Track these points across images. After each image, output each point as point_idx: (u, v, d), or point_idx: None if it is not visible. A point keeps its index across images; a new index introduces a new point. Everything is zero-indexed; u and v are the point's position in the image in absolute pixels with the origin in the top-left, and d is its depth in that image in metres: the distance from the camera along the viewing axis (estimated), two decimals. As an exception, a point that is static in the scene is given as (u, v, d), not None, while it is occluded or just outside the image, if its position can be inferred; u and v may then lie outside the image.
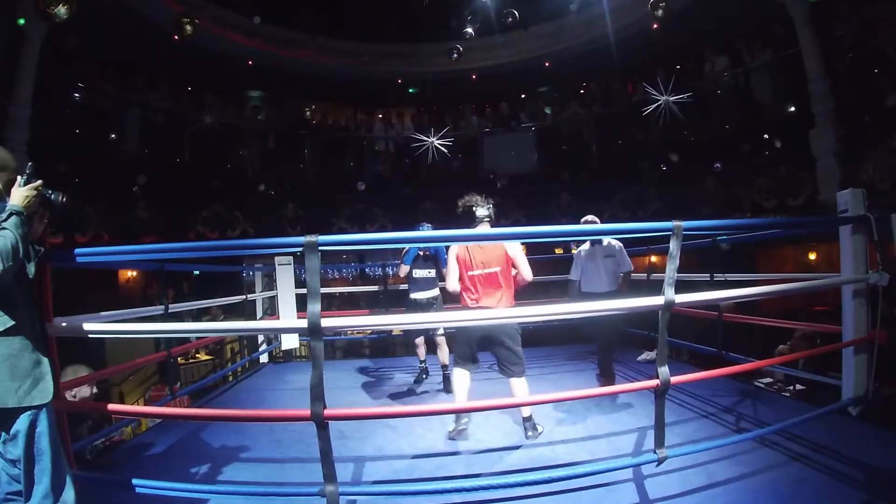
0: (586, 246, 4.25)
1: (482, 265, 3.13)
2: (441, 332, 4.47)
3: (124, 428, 4.61)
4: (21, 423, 1.66)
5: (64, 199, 1.94)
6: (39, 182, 1.82)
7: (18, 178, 1.79)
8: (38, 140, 6.21)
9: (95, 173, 6.98)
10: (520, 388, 3.09)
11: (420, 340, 4.76)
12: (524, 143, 9.84)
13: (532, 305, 5.17)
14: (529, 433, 3.11)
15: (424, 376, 4.73)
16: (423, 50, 10.36)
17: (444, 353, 4.48)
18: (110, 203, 7.22)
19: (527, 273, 3.19)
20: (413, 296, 4.34)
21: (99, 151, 7.33)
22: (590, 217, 4.16)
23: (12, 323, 1.67)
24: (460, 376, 3.18)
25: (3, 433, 1.68)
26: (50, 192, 1.89)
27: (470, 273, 3.15)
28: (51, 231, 2.15)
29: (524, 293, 3.91)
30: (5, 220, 1.68)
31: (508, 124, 10.00)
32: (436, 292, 4.34)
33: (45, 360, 1.75)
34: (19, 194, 1.75)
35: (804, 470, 2.48)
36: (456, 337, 3.29)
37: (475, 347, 3.18)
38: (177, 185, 7.87)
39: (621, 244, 4.19)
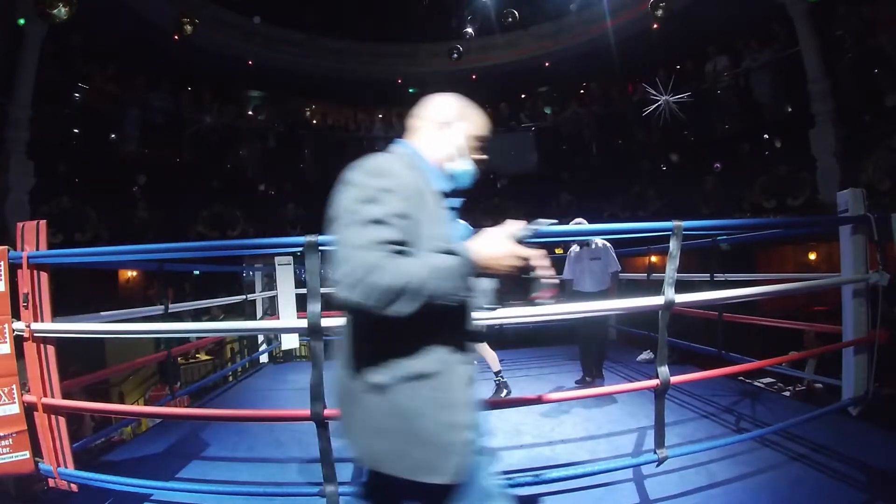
0: (576, 248, 4.43)
1: None
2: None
3: (124, 428, 4.62)
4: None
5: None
6: (541, 256, 1.18)
7: (527, 225, 1.17)
8: (38, 140, 6.22)
9: (95, 173, 6.98)
10: None
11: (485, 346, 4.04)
12: (524, 143, 9.83)
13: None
14: None
15: (505, 391, 3.99)
16: (423, 50, 10.36)
17: (493, 359, 3.98)
18: (110, 203, 7.22)
19: None
20: None
21: (99, 151, 7.33)
22: (578, 220, 4.21)
23: (427, 370, 1.14)
24: None
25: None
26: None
27: None
28: (51, 231, 2.00)
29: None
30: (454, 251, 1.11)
31: (508, 124, 10.00)
32: None
33: (465, 425, 1.18)
34: (499, 251, 1.13)
35: (804, 470, 2.48)
36: None
37: None
38: (177, 185, 7.87)
39: (610, 245, 4.34)
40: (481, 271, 1.13)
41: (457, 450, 1.15)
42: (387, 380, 1.12)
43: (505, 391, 3.99)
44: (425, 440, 1.12)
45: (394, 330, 1.09)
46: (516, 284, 1.19)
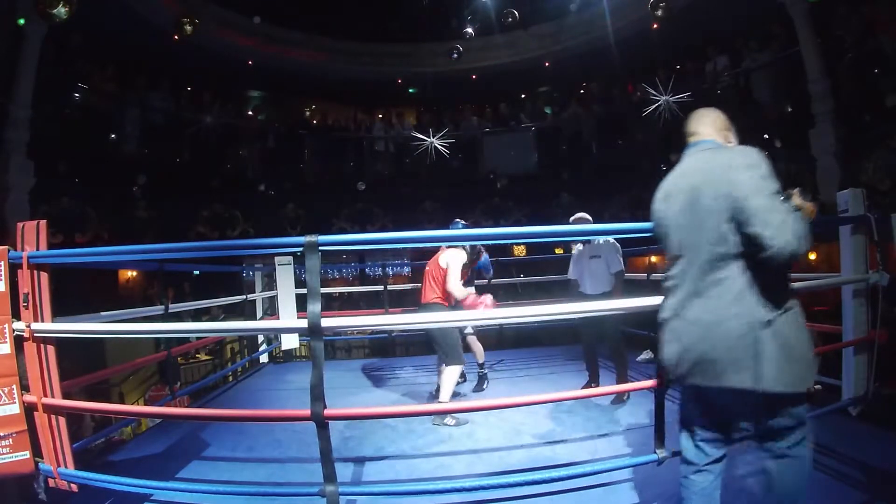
0: (579, 246, 4.09)
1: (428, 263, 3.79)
2: (470, 330, 4.34)
3: (124, 428, 4.63)
4: (794, 414, 1.55)
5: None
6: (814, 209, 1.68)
7: (798, 192, 1.66)
8: (38, 140, 6.22)
9: (95, 173, 6.99)
10: (447, 373, 3.54)
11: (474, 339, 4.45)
12: (524, 143, 9.84)
13: (531, 305, 5.17)
14: (434, 421, 3.42)
15: (486, 383, 4.43)
16: (423, 50, 10.37)
17: (479, 351, 4.36)
18: (110, 203, 7.22)
19: (451, 286, 3.59)
20: None
21: (99, 151, 7.33)
22: (580, 215, 3.95)
23: (793, 304, 1.55)
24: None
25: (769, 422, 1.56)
26: None
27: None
28: (51, 231, 2.00)
29: (523, 293, 3.94)
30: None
31: (508, 124, 10.01)
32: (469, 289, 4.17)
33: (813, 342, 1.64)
34: (809, 207, 1.64)
35: (804, 470, 2.47)
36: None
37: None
38: (177, 185, 7.87)
39: (615, 243, 3.91)
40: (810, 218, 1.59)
41: (813, 361, 1.60)
42: (775, 315, 1.49)
43: (486, 383, 4.39)
44: (801, 358, 1.51)
45: (775, 274, 1.52)
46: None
